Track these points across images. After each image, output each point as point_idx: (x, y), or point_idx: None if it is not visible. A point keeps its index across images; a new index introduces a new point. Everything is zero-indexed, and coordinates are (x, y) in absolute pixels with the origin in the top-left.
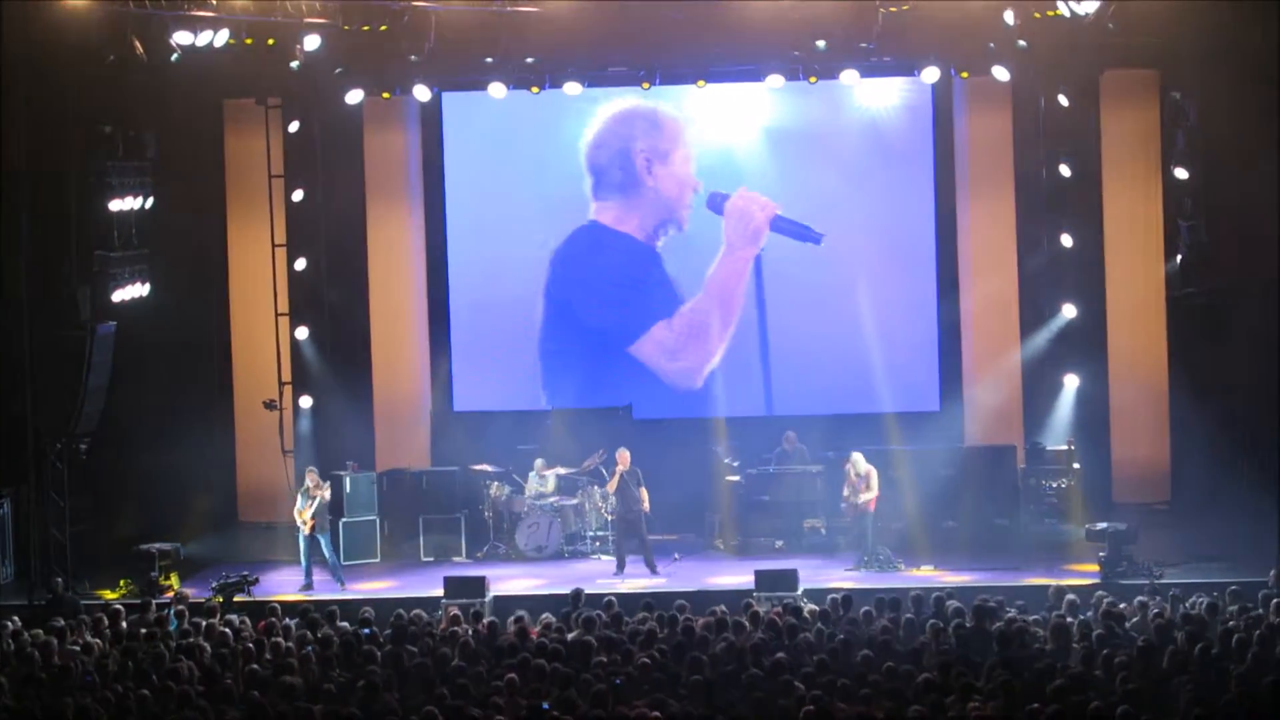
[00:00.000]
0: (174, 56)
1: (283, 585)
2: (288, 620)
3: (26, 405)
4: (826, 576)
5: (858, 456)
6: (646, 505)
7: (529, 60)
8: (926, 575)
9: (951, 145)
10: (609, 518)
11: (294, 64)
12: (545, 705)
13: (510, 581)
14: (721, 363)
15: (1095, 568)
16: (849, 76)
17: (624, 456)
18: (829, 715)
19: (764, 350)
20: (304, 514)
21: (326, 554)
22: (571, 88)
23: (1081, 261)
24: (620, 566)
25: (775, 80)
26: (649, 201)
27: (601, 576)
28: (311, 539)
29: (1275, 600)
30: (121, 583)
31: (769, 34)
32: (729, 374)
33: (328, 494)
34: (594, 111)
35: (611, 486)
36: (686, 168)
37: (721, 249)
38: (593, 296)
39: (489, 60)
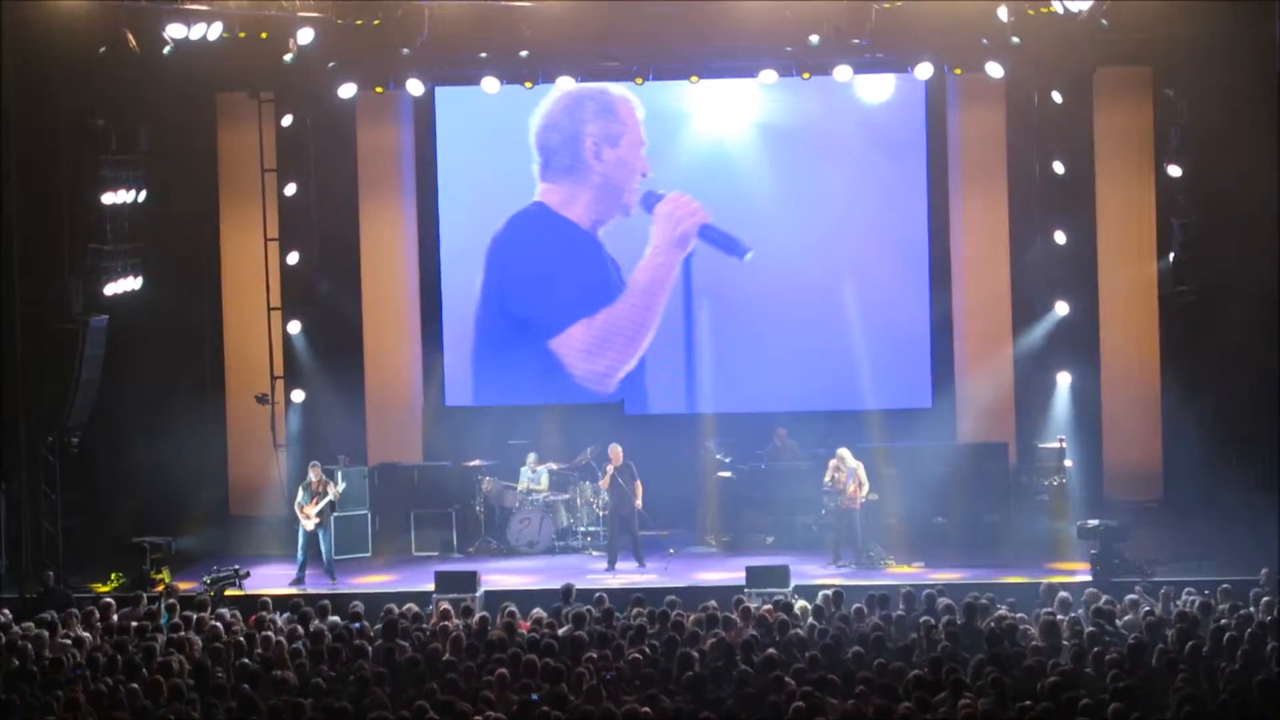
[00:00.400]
0: (167, 50)
1: (274, 579)
2: (279, 614)
3: (18, 399)
4: (817, 573)
5: (844, 452)
6: (640, 501)
7: (522, 54)
8: (918, 572)
9: (945, 142)
10: (601, 513)
11: (287, 57)
12: (534, 697)
13: (501, 576)
14: (642, 365)
15: (1087, 565)
16: (842, 73)
17: (616, 452)
18: (820, 711)
19: (689, 353)
20: (308, 510)
21: (324, 549)
22: (564, 83)
23: (1074, 259)
24: (612, 563)
25: (768, 76)
26: (595, 186)
27: (593, 572)
28: (311, 534)
29: (1267, 598)
30: (113, 576)
31: (762, 30)
32: (653, 375)
33: (336, 492)
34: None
35: (604, 482)
36: (637, 153)
37: (649, 249)
38: (525, 285)
39: (482, 55)
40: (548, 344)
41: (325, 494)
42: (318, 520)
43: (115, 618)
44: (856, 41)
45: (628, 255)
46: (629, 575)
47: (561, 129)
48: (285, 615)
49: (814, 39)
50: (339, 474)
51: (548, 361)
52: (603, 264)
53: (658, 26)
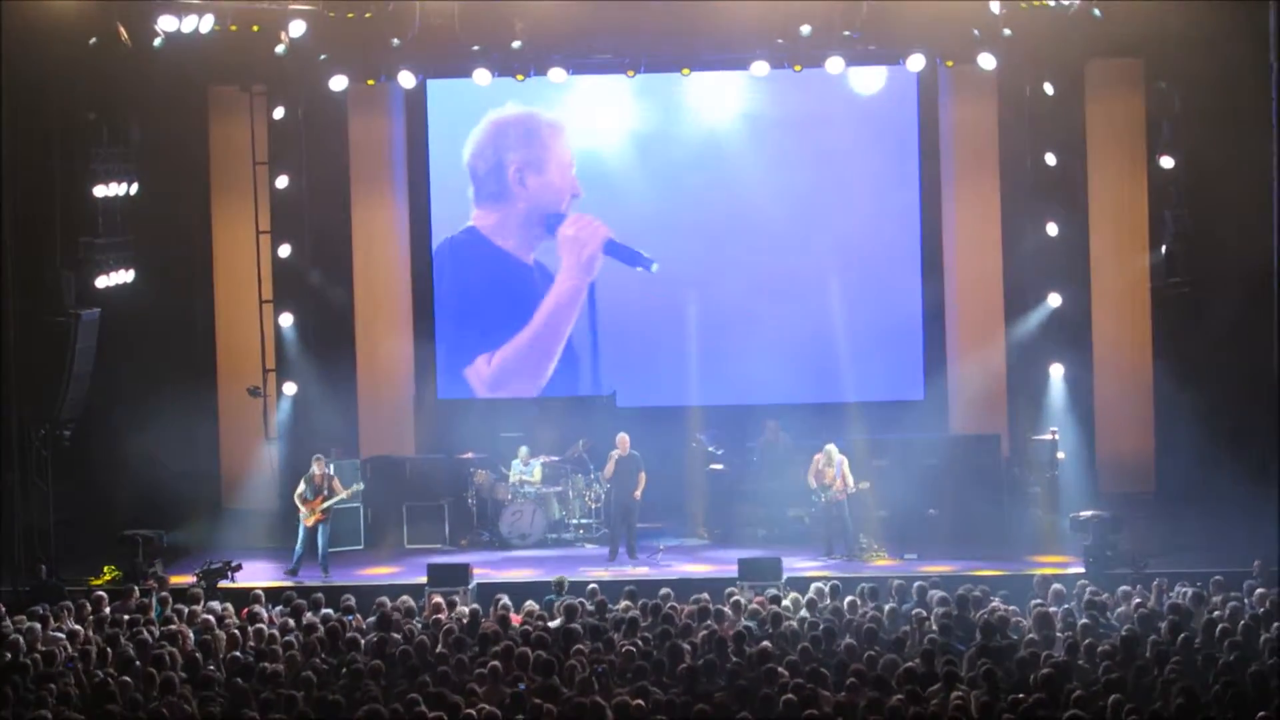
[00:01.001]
0: (159, 43)
1: (266, 572)
2: (271, 607)
3: (10, 392)
4: (809, 565)
5: (831, 447)
6: (639, 492)
7: (514, 46)
8: (910, 564)
9: (936, 134)
10: (593, 505)
11: (279, 49)
12: (521, 686)
13: (493, 569)
14: (635, 358)
15: (1079, 557)
16: (834, 65)
17: (623, 441)
18: (812, 703)
19: (681, 346)
20: (315, 505)
21: (320, 543)
22: (556, 75)
23: (1066, 251)
24: (613, 554)
25: (760, 68)
26: (522, 212)
27: (585, 564)
28: (312, 528)
29: (1259, 589)
30: (105, 569)
31: (754, 22)
32: (645, 368)
33: (344, 491)
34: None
35: (609, 470)
36: (565, 175)
37: (559, 274)
38: (453, 308)
39: (474, 48)
40: (462, 372)
41: (329, 490)
42: (320, 517)
43: (107, 611)
44: (848, 34)
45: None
46: (621, 568)
47: (487, 157)
48: (277, 608)
49: (805, 29)
50: (330, 466)
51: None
52: (530, 290)
53: (649, 19)
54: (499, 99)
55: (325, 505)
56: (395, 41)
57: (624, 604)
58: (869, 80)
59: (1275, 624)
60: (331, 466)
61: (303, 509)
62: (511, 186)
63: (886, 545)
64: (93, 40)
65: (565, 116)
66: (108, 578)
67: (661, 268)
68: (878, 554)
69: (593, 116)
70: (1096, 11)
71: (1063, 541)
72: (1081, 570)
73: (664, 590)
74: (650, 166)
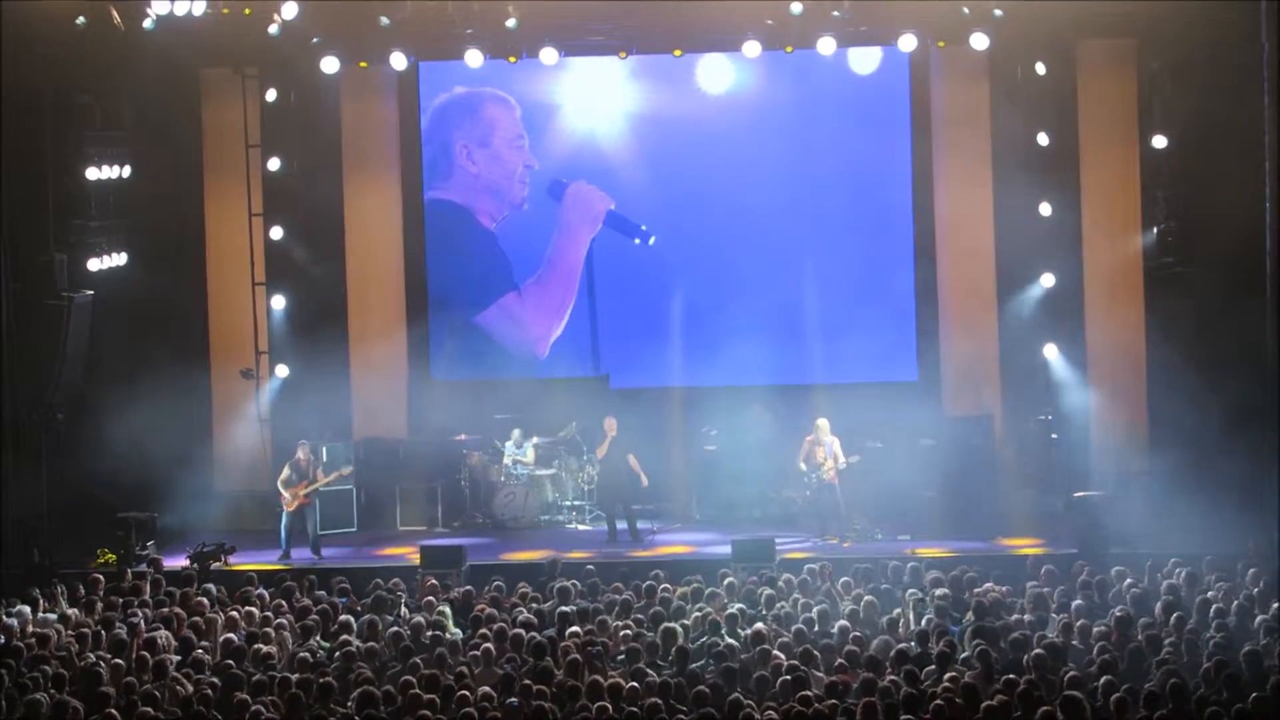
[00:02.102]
0: (151, 25)
1: (259, 555)
2: (264, 589)
3: (3, 374)
4: (803, 547)
5: (823, 423)
6: (643, 477)
7: (509, 24)
8: (904, 545)
9: (928, 114)
10: (586, 487)
11: (272, 28)
12: (514, 702)
13: (487, 551)
14: (628, 338)
15: (1074, 537)
16: (826, 45)
17: (611, 424)
18: (805, 685)
19: (674, 327)
20: (299, 491)
21: (312, 526)
22: (548, 56)
23: (1059, 231)
24: (611, 536)
25: (752, 48)
26: (477, 189)
27: (578, 546)
28: (296, 511)
29: (1253, 570)
30: (99, 552)
31: (745, 3)
32: (637, 349)
33: (325, 477)
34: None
35: (601, 452)
36: (514, 148)
37: (558, 231)
38: (437, 269)
39: (466, 30)
40: (473, 319)
41: (313, 477)
42: (304, 501)
43: (101, 593)
44: (837, 14)
45: (526, 246)
46: (614, 549)
47: (434, 140)
48: (270, 590)
49: (797, 8)
50: (324, 449)
51: (472, 337)
52: (502, 251)
53: (641, 1)
54: (491, 80)
55: (307, 491)
56: (384, 20)
57: (616, 585)
58: (864, 60)
59: (1275, 604)
60: (324, 450)
61: (285, 494)
62: (461, 163)
63: (881, 527)
64: (80, 20)
65: (556, 96)
66: (103, 560)
67: (652, 250)
68: (872, 535)
69: (585, 96)
70: None
71: (1057, 522)
72: (1075, 550)
73: (655, 571)
74: (641, 148)
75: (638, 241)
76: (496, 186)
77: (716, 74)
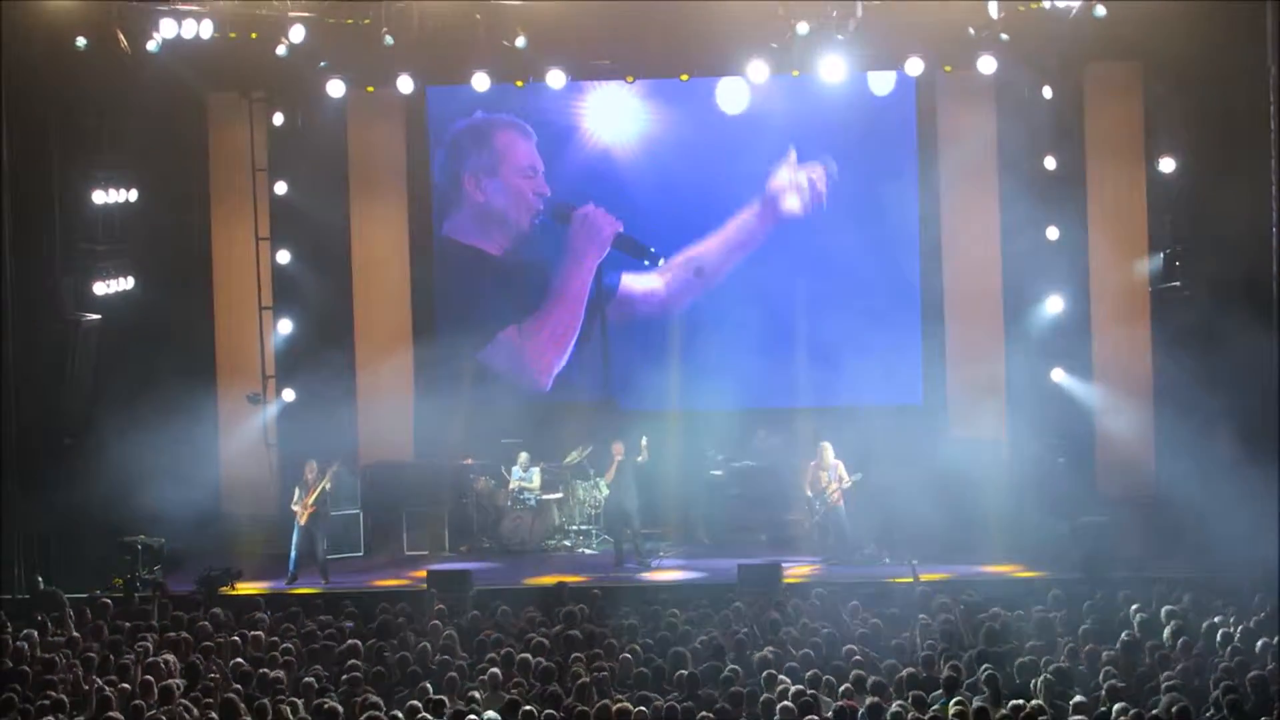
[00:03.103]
0: (157, 49)
1: (266, 579)
2: (270, 614)
3: (9, 398)
4: (810, 571)
5: (826, 447)
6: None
7: (519, 43)
8: (911, 569)
9: (935, 138)
10: (593, 511)
11: (280, 49)
12: None
13: (493, 575)
14: (633, 362)
15: (1080, 562)
16: (829, 69)
17: (619, 448)
18: (812, 710)
19: (679, 351)
20: (307, 500)
21: (319, 549)
22: (555, 80)
23: (1066, 255)
24: (619, 559)
25: (758, 70)
26: (486, 215)
27: (585, 570)
28: (306, 531)
29: (1259, 595)
30: (114, 581)
31: (751, 28)
32: (643, 372)
33: (329, 483)
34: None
35: (608, 477)
36: (525, 179)
37: (567, 257)
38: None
39: (473, 53)
40: (475, 356)
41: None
42: (312, 510)
43: (107, 617)
44: (840, 38)
45: (531, 275)
46: (621, 574)
47: (446, 170)
48: (277, 615)
49: (803, 28)
50: (329, 474)
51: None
52: (510, 283)
53: (648, 25)
54: (499, 104)
55: (314, 498)
56: (388, 39)
57: (623, 610)
58: (881, 82)
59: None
60: (329, 472)
61: (296, 509)
62: (470, 192)
63: (888, 550)
64: (81, 41)
65: (571, 119)
66: (107, 585)
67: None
68: (879, 559)
69: (601, 118)
70: (1100, 10)
71: (1063, 546)
72: (1082, 575)
73: (662, 596)
74: (654, 168)
75: (646, 263)
76: (504, 215)
77: (733, 95)
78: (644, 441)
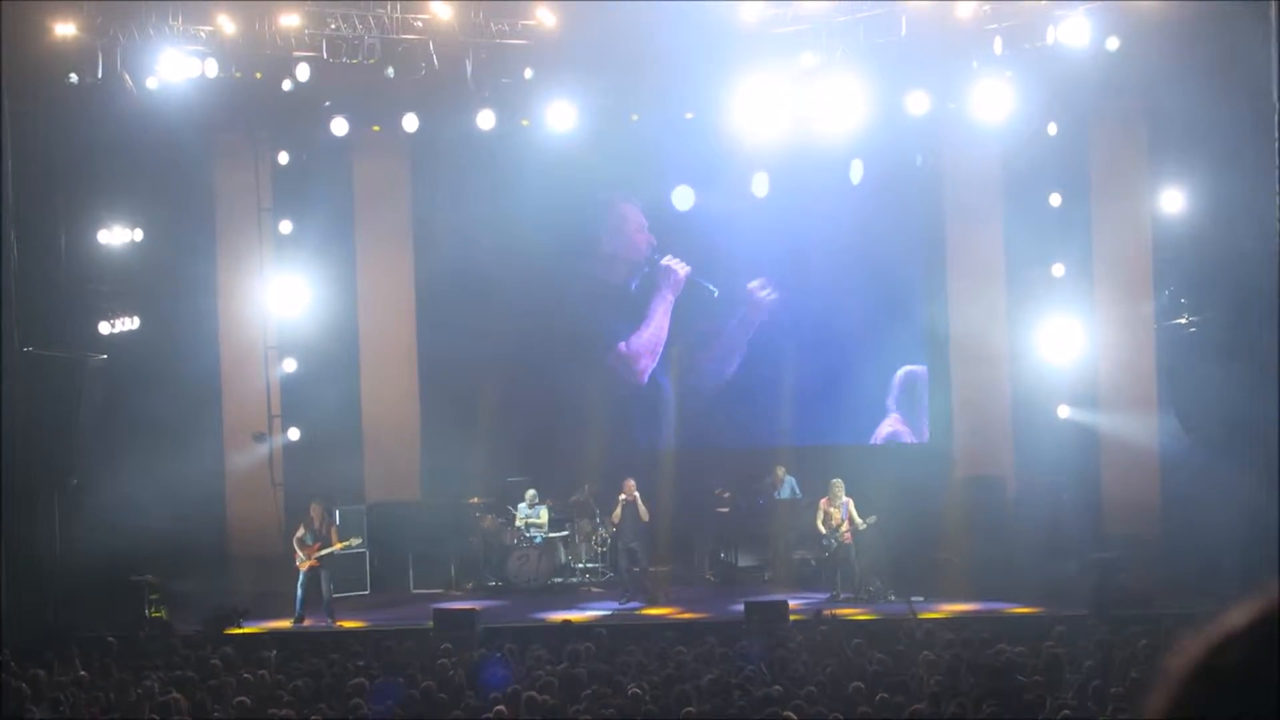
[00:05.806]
0: (162, 88)
1: (273, 618)
2: (277, 652)
3: (16, 439)
4: (816, 608)
5: (838, 483)
6: (645, 515)
7: (527, 75)
8: (917, 606)
9: (940, 176)
10: (599, 550)
11: (286, 84)
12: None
13: (500, 613)
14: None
15: (1086, 599)
16: (835, 103)
17: (629, 486)
18: None
19: (689, 390)
20: (312, 551)
21: (324, 589)
22: (560, 121)
23: (1071, 290)
24: (624, 598)
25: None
26: (610, 260)
27: (591, 608)
28: (310, 573)
29: None
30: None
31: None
32: (653, 410)
33: (339, 543)
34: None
35: (615, 515)
36: (639, 236)
37: (657, 294)
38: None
39: (478, 92)
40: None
41: (327, 536)
42: (314, 563)
43: (114, 657)
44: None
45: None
46: (627, 611)
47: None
48: (283, 653)
49: (809, 61)
50: (336, 513)
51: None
52: (617, 310)
53: (653, 64)
54: (504, 142)
55: (321, 554)
56: (390, 72)
57: (629, 648)
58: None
59: None
60: (337, 514)
61: (299, 552)
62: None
63: (893, 587)
64: (72, 76)
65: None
66: (116, 626)
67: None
68: (885, 596)
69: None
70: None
71: (1069, 583)
72: (1088, 612)
73: (668, 633)
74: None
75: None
76: (624, 263)
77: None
78: (631, 483)
